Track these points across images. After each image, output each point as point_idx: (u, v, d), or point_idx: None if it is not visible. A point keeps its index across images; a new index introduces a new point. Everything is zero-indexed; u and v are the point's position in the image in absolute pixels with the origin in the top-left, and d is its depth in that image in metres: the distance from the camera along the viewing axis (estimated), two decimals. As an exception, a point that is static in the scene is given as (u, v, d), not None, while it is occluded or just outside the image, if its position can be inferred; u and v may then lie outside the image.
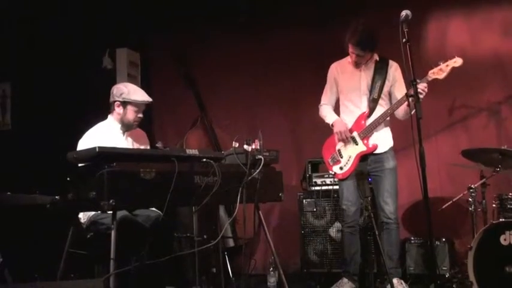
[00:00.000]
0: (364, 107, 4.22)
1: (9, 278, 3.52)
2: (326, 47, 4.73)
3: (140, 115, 3.80)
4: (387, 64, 4.22)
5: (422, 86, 3.80)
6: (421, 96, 3.75)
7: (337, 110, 4.39)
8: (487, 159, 4.19)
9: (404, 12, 3.36)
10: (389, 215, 4.09)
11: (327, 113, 4.33)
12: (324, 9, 5.41)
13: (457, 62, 3.90)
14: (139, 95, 3.77)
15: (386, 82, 4.20)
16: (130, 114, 3.76)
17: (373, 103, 4.19)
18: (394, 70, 4.22)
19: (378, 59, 4.23)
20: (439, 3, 5.29)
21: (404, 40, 3.33)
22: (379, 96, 4.19)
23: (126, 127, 3.82)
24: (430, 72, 3.93)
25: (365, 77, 4.23)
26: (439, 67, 3.91)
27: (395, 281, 4.04)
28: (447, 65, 3.90)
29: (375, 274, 4.34)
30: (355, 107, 4.24)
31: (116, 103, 3.76)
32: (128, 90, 3.75)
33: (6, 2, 5.02)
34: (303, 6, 5.52)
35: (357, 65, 4.21)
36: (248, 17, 5.55)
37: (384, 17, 4.70)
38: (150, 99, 3.81)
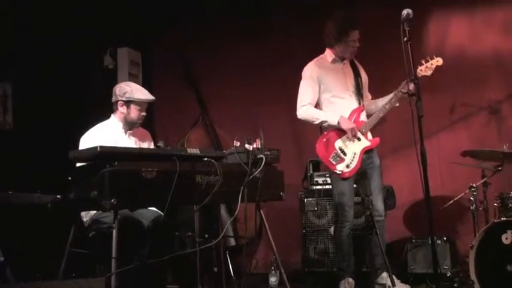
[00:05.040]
0: (354, 104, 4.23)
1: (11, 277, 3.53)
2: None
3: (143, 113, 3.82)
4: (355, 62, 4.35)
5: (410, 87, 3.83)
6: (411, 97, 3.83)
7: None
8: (488, 158, 4.19)
9: (405, 11, 3.37)
10: (381, 212, 4.13)
11: (319, 112, 4.26)
12: (324, 8, 5.40)
13: (439, 61, 4.11)
14: (142, 93, 3.80)
15: (363, 79, 4.33)
16: (134, 113, 3.77)
17: (362, 99, 4.26)
18: (362, 68, 4.38)
19: None
20: (440, 2, 5.29)
21: (405, 39, 3.34)
22: (363, 92, 4.29)
23: (130, 126, 3.83)
24: (418, 70, 4.04)
25: (348, 73, 4.28)
26: (424, 65, 4.07)
27: (384, 274, 4.10)
28: (431, 64, 4.09)
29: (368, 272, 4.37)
30: (344, 103, 4.22)
31: (119, 102, 3.77)
32: (131, 89, 3.77)
33: (7, 1, 5.02)
34: (304, 5, 5.52)
35: (353, 55, 4.26)
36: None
37: (385, 15, 4.72)
38: (153, 98, 3.84)
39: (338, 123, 4.16)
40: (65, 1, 5.19)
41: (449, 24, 5.28)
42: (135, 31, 5.82)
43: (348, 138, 4.15)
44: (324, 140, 4.23)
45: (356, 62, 4.35)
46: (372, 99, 4.43)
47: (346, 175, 4.16)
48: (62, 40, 5.26)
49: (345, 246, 4.19)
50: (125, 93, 3.75)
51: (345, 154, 4.17)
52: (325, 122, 4.21)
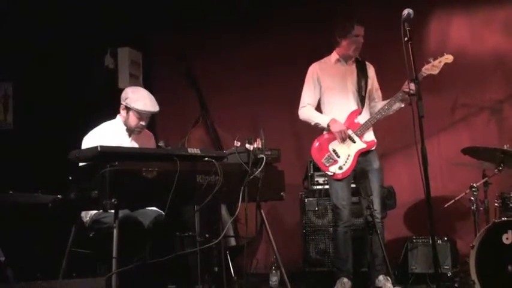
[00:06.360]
0: (353, 105, 4.23)
1: (12, 277, 3.53)
2: (327, 47, 4.74)
3: (142, 123, 3.73)
4: (365, 64, 4.32)
5: (411, 86, 3.82)
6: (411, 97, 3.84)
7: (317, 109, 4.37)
8: (488, 158, 4.19)
9: (406, 11, 3.36)
10: (377, 214, 4.08)
11: (315, 114, 4.28)
12: (324, 8, 5.40)
13: (449, 58, 4.07)
14: (142, 103, 3.66)
15: (369, 81, 4.29)
16: (133, 120, 3.71)
17: (362, 101, 4.24)
18: (372, 70, 4.36)
19: (358, 57, 4.31)
20: (440, 2, 5.29)
21: (406, 38, 3.33)
22: (365, 94, 4.26)
23: (129, 131, 3.81)
24: (424, 68, 4.02)
25: (350, 75, 4.27)
26: (431, 64, 4.04)
27: (381, 277, 4.09)
28: (440, 61, 4.05)
29: (367, 272, 4.37)
30: (343, 105, 4.23)
31: (121, 106, 3.74)
32: (133, 96, 3.68)
33: (8, 1, 5.02)
34: (304, 5, 5.52)
35: (358, 51, 4.23)
36: (248, 8, 5.57)
37: (385, 15, 4.72)
38: (154, 110, 3.71)
39: (328, 125, 4.17)
40: (66, 1, 5.19)
41: (450, 24, 5.29)
42: (135, 31, 5.83)
43: (343, 140, 4.14)
44: (319, 141, 4.25)
45: (366, 63, 4.33)
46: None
47: (339, 177, 4.16)
48: (63, 40, 5.26)
49: (340, 245, 4.20)
50: (126, 99, 3.69)
51: (338, 156, 4.17)
52: (319, 124, 4.22)
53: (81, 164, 3.22)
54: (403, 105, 4.15)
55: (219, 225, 3.90)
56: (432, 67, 4.04)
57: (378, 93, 4.38)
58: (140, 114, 3.70)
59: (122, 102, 3.72)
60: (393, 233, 5.03)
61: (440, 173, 4.96)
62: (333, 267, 4.41)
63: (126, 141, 3.79)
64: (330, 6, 5.35)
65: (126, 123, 3.75)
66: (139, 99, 3.69)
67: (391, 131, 4.87)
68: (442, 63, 4.05)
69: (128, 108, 3.70)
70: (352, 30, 4.15)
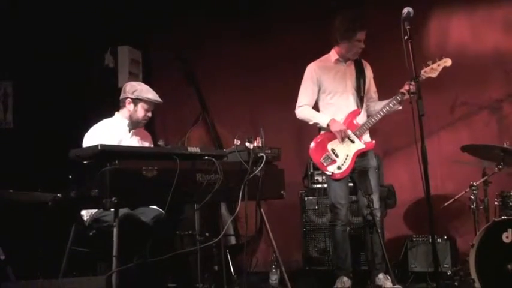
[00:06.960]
0: (352, 106, 4.22)
1: (12, 276, 3.53)
2: (328, 46, 4.74)
3: (149, 114, 3.84)
4: (362, 63, 4.31)
5: (412, 85, 3.82)
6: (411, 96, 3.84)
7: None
8: (488, 156, 4.19)
9: (406, 9, 3.36)
10: (377, 213, 4.06)
11: (313, 113, 4.26)
12: (325, 8, 5.40)
13: (447, 62, 4.08)
14: (152, 94, 3.81)
15: (367, 80, 4.28)
16: (141, 112, 3.79)
17: (361, 101, 4.23)
18: (369, 69, 4.34)
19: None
20: (440, 1, 5.29)
21: (406, 37, 3.33)
22: (364, 94, 4.25)
23: (134, 125, 3.84)
24: (423, 71, 4.01)
25: (349, 75, 4.25)
26: (430, 67, 4.04)
27: (380, 275, 4.09)
28: (438, 65, 4.05)
29: (367, 270, 4.37)
30: (342, 106, 4.21)
31: (127, 100, 3.79)
32: (141, 88, 3.80)
33: (8, 1, 5.02)
34: (304, 5, 5.52)
35: (357, 55, 4.22)
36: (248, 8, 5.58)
37: (385, 15, 4.72)
38: (161, 100, 3.84)
39: (328, 125, 4.16)
40: (66, 1, 5.19)
41: (450, 23, 5.29)
42: (135, 30, 5.83)
43: (342, 140, 4.14)
44: (317, 141, 4.24)
45: (363, 61, 4.31)
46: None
47: (337, 176, 4.15)
48: (63, 39, 5.26)
49: (339, 245, 4.19)
50: (134, 91, 3.77)
51: (337, 156, 4.17)
52: (318, 123, 4.22)
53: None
54: (400, 107, 4.13)
55: (219, 223, 3.90)
56: (431, 70, 4.04)
57: (374, 93, 4.37)
58: (149, 105, 3.80)
59: (130, 95, 3.78)
60: (393, 232, 5.03)
61: (440, 172, 4.96)
62: (333, 266, 4.42)
63: (127, 137, 3.83)
64: (330, 5, 5.35)
65: (132, 116, 3.80)
66: (148, 90, 3.82)
67: (391, 129, 4.88)
68: (440, 67, 4.05)
69: (137, 101, 3.78)
70: (355, 36, 4.12)
